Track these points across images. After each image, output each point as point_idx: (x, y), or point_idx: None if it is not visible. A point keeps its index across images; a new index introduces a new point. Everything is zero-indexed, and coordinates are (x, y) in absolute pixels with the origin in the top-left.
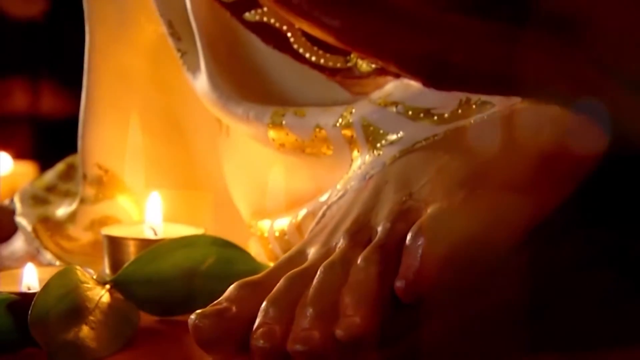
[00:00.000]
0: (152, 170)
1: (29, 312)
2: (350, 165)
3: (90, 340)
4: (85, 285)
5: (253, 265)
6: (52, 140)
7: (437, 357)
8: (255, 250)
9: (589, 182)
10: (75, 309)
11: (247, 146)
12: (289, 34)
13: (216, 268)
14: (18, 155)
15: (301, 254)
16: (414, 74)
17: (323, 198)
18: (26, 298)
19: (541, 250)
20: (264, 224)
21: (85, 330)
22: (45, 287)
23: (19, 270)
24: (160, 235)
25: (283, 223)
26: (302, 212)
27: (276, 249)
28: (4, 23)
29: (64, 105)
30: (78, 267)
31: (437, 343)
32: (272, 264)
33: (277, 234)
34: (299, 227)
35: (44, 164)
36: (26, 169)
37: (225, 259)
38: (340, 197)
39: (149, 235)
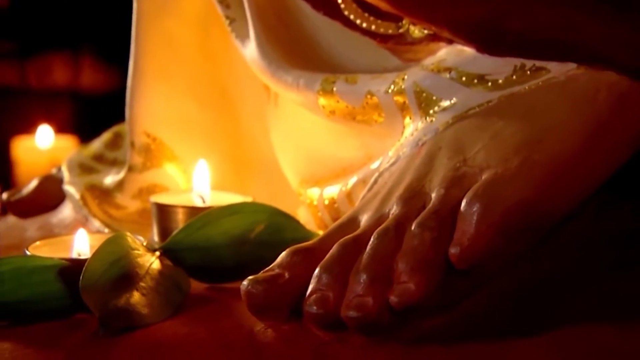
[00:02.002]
0: (200, 139)
1: (80, 277)
2: (402, 132)
3: (141, 306)
4: (136, 251)
5: (302, 233)
6: (92, 115)
7: (489, 324)
8: (304, 218)
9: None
10: (126, 275)
11: (295, 114)
12: (339, 0)
13: (265, 235)
14: (59, 129)
15: (353, 220)
16: (468, 40)
17: (374, 165)
18: (77, 264)
19: (592, 220)
20: (313, 192)
21: (136, 296)
22: (96, 253)
23: (69, 237)
24: (208, 203)
25: (333, 191)
26: (353, 180)
27: (325, 217)
28: None
29: (104, 80)
30: (128, 234)
31: (490, 310)
32: (321, 232)
33: (326, 202)
34: (349, 195)
35: (84, 138)
36: (67, 143)
37: (274, 226)
38: (392, 164)
39: (198, 203)
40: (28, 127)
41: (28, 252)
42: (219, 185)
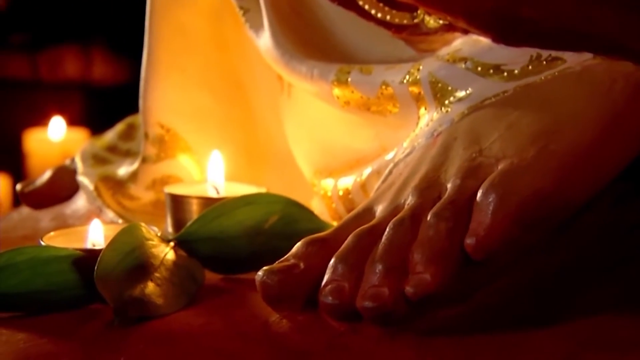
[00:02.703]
0: (214, 129)
1: (95, 268)
2: (417, 123)
3: (156, 297)
4: (150, 242)
5: (317, 224)
6: (103, 107)
7: (505, 315)
8: (318, 209)
9: None
10: (141, 265)
11: (309, 105)
12: None
13: (280, 226)
14: (71, 121)
15: (368, 211)
16: (484, 30)
17: (389, 156)
18: (92, 254)
19: (607, 211)
20: (327, 183)
21: (150, 287)
22: (111, 244)
23: (84, 228)
24: (222, 194)
25: (347, 182)
26: (367, 171)
27: (340, 208)
28: None
29: (115, 72)
30: (143, 224)
31: (505, 301)
32: (335, 223)
33: (341, 192)
34: (363, 186)
35: (96, 130)
36: (79, 135)
37: (288, 217)
38: (407, 155)
39: (212, 193)
40: (40, 120)
41: (43, 243)
42: (232, 176)
